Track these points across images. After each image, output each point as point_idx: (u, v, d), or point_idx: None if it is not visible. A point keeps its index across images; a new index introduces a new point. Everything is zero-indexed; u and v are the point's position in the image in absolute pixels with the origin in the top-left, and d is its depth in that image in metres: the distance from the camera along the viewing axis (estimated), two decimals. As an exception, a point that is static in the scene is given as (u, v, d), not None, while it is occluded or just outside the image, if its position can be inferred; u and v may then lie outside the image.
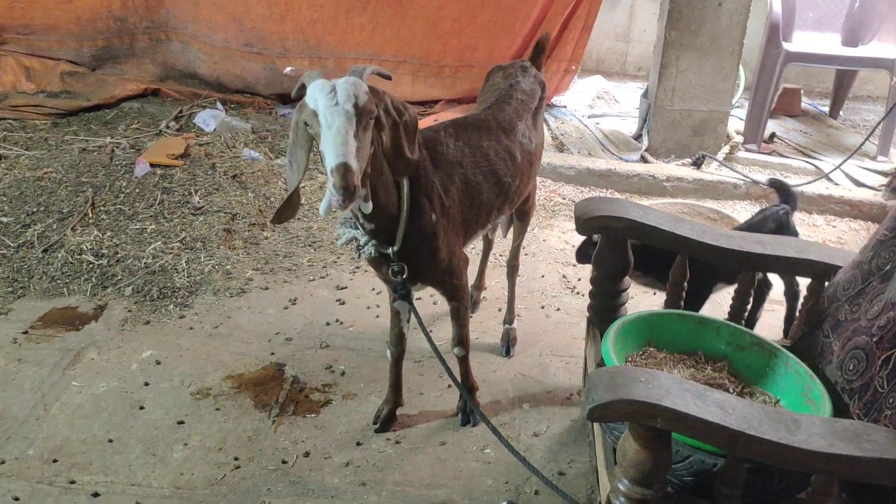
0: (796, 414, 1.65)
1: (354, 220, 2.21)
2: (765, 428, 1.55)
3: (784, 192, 3.02)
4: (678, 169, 4.87)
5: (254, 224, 4.03)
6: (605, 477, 1.89)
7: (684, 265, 2.40)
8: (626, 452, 1.63)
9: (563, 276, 3.75)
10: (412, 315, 2.43)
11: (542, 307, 3.48)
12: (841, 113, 6.47)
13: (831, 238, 4.43)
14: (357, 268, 3.74)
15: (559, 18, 5.61)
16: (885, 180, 4.92)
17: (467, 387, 2.70)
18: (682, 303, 2.46)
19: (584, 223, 2.31)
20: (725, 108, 5.08)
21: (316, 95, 1.87)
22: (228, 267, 3.65)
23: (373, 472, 2.48)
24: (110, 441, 2.56)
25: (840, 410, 1.91)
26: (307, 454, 2.54)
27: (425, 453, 2.57)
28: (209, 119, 5.13)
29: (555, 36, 5.65)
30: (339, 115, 1.85)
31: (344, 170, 1.81)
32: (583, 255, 2.94)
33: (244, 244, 3.86)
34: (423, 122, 5.36)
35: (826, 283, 2.28)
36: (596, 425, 2.11)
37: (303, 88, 1.98)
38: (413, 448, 2.60)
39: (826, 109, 6.53)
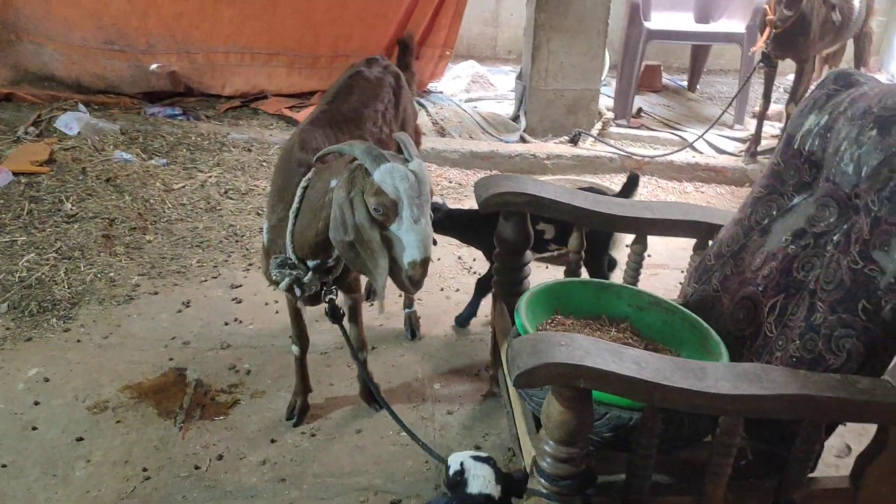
0: (701, 362, 1.76)
1: (293, 261, 2.15)
2: (677, 378, 1.64)
3: (628, 184, 3.14)
4: (557, 147, 5.05)
5: (134, 228, 3.86)
6: (529, 443, 1.95)
7: (582, 235, 2.50)
8: (551, 415, 1.68)
9: (459, 258, 3.81)
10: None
11: (442, 289, 3.53)
12: (698, 86, 6.88)
13: (700, 203, 4.72)
14: (250, 265, 3.66)
15: (431, 5, 5.66)
16: (743, 146, 5.28)
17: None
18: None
19: (486, 201, 2.36)
20: (596, 87, 5.29)
21: (396, 184, 1.79)
22: (112, 274, 3.48)
23: (291, 467, 2.45)
24: (3, 466, 2.40)
25: (735, 357, 2.04)
26: (220, 457, 2.48)
27: (342, 442, 2.56)
28: (72, 122, 4.85)
29: (427, 22, 5.70)
30: (426, 207, 1.81)
31: (427, 263, 1.80)
32: None
33: (126, 249, 3.69)
34: (302, 115, 5.31)
35: (710, 242, 2.43)
36: (514, 395, 2.17)
37: (340, 161, 1.98)
38: (329, 439, 2.58)
39: (684, 84, 6.93)
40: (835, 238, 1.93)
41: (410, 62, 2.98)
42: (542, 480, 1.77)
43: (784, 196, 2.17)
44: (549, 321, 2.21)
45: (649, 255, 3.81)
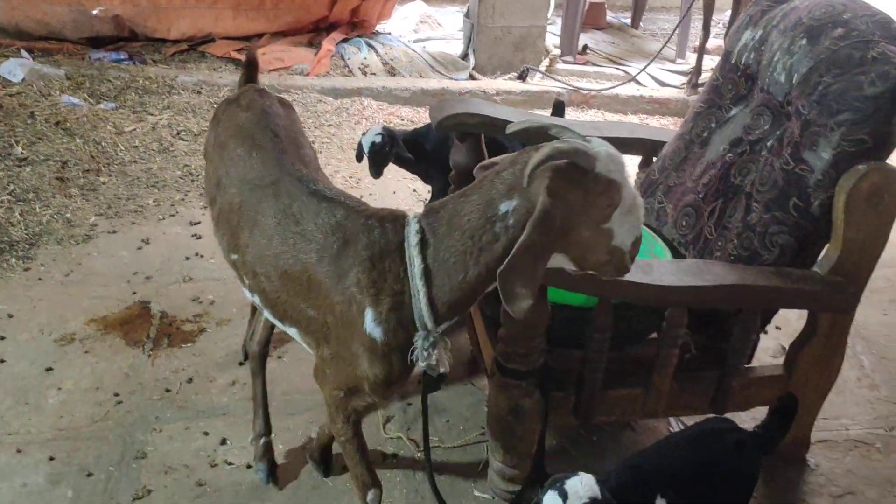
0: (648, 259, 1.90)
1: (437, 334, 1.62)
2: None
3: (554, 111, 3.24)
4: (506, 83, 5.13)
5: (88, 170, 3.84)
6: (489, 346, 2.06)
7: (532, 155, 2.60)
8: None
9: (414, 191, 3.89)
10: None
11: (399, 220, 3.61)
12: (641, 23, 7.01)
13: (647, 136, 4.86)
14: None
15: (377, -57, 5.63)
16: (685, 79, 5.42)
17: None
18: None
19: (441, 122, 2.44)
20: (543, 23, 5.36)
21: (619, 169, 1.45)
22: (68, 215, 3.48)
23: (260, 387, 2.53)
24: (-26, 398, 2.45)
25: (679, 261, 2.18)
26: (190, 380, 2.55)
27: (309, 364, 2.60)
28: (15, 69, 4.74)
29: (375, -38, 5.67)
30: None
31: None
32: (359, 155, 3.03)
33: (81, 191, 3.68)
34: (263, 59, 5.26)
35: (654, 158, 2.55)
36: (473, 308, 2.26)
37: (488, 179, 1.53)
38: (296, 360, 2.67)
39: (628, 21, 7.06)
40: (769, 143, 2.07)
41: (257, 78, 2.31)
42: (504, 377, 1.90)
43: (722, 109, 2.30)
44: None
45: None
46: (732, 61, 2.29)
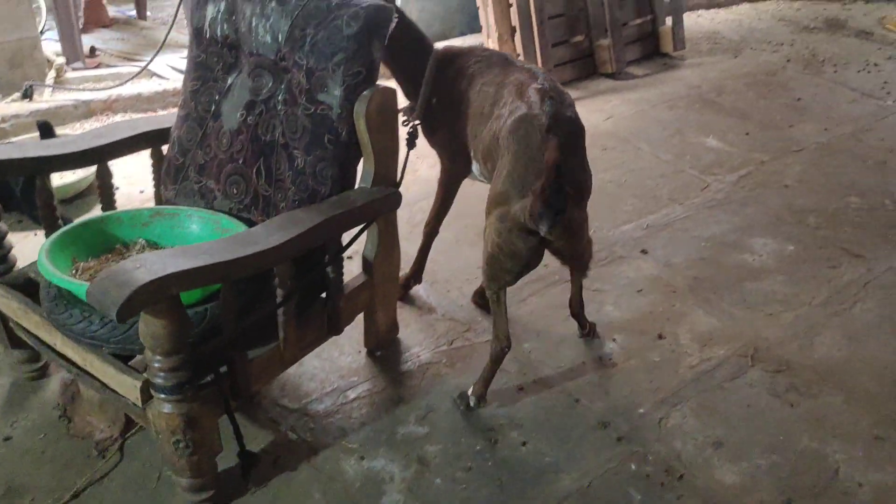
0: (244, 232, 2.02)
1: None
2: (240, 249, 1.87)
3: (42, 134, 3.08)
4: (9, 106, 4.46)
5: None
6: (128, 380, 1.95)
7: (45, 186, 2.39)
8: (156, 333, 1.76)
9: None
10: None
11: None
12: (148, 13, 6.69)
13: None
14: None
15: None
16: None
17: None
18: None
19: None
20: (34, 33, 4.77)
21: None
22: None
23: None
24: None
25: (250, 226, 2.25)
26: None
27: None
28: None
29: None
30: None
31: None
32: None
33: None
34: None
35: (166, 147, 2.59)
36: (84, 354, 2.06)
37: None
38: None
39: (133, 13, 6.67)
40: (280, 97, 2.31)
41: None
42: (163, 395, 1.87)
43: (218, 80, 2.45)
44: (74, 272, 2.16)
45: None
46: (207, 36, 2.43)
